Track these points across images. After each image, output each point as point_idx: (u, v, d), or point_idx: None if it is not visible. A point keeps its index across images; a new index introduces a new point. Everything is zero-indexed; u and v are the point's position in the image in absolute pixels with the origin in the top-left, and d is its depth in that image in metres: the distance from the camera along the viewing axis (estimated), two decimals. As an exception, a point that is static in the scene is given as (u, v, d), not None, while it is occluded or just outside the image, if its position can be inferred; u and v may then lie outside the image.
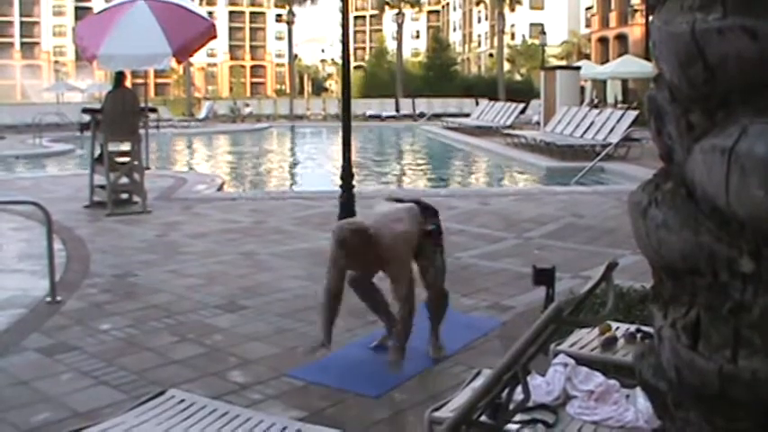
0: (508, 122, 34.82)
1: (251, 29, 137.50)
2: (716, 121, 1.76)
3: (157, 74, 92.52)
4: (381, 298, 6.36)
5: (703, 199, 1.78)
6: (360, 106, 50.84)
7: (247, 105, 55.54)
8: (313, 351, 5.98)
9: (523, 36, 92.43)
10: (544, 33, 57.94)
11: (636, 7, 58.49)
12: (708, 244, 1.76)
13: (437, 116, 47.80)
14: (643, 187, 1.96)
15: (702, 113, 1.80)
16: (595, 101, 46.22)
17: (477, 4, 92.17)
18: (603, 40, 65.82)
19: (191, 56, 15.49)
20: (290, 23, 69.75)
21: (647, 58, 38.11)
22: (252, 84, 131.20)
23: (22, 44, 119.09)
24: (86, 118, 14.57)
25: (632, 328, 5.33)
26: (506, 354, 3.04)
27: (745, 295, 1.72)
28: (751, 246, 1.70)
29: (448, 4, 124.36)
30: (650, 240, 1.89)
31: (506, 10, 72.27)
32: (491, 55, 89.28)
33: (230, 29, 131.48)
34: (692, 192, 1.81)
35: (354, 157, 12.48)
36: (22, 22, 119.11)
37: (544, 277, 6.91)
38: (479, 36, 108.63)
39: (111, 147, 13.77)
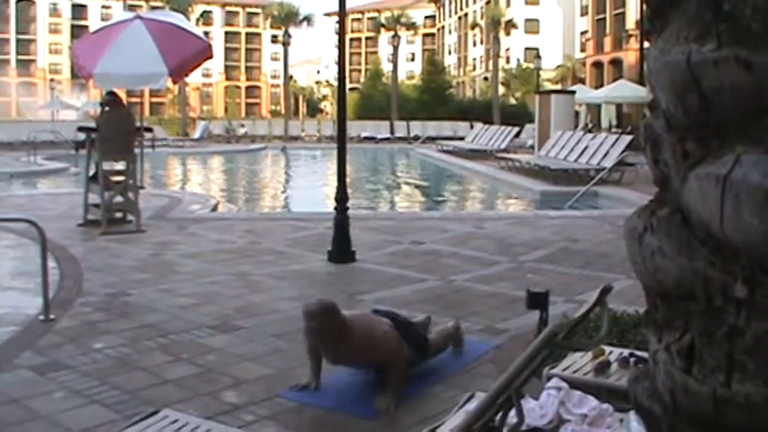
0: (502, 146, 34.94)
1: (247, 50, 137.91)
2: (711, 150, 1.79)
3: (153, 93, 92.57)
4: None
5: (698, 226, 1.80)
6: (355, 128, 50.90)
7: (242, 126, 55.62)
8: (301, 388, 6.02)
9: (518, 60, 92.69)
10: (539, 57, 58.17)
11: (630, 32, 58.83)
12: (702, 270, 1.78)
13: (432, 139, 47.93)
14: (638, 213, 1.98)
15: (698, 142, 1.83)
16: (590, 125, 46.35)
17: (473, 27, 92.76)
18: (598, 65, 66.17)
19: (186, 76, 15.53)
20: (285, 45, 69.99)
21: (642, 83, 38.26)
22: (247, 104, 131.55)
23: (18, 61, 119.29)
24: (82, 136, 14.58)
25: (626, 352, 5.35)
26: (500, 377, 3.06)
27: (738, 320, 1.74)
28: (745, 272, 1.73)
29: (443, 27, 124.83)
30: (646, 266, 1.92)
31: (501, 34, 72.76)
32: (486, 78, 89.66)
33: (226, 49, 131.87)
34: (687, 218, 1.84)
35: (349, 179, 12.51)
36: (18, 40, 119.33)
37: (538, 301, 6.93)
38: (474, 59, 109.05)
39: (106, 165, 13.79)
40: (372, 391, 6.00)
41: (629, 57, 58.11)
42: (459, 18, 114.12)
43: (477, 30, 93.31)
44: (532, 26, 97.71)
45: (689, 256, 1.80)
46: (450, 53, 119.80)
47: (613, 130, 41.80)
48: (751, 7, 1.69)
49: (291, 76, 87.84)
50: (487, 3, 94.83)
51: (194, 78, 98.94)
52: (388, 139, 52.35)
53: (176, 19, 14.85)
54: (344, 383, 6.23)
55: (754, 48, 1.69)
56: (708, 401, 1.77)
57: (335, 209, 11.17)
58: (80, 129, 15.31)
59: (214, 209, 17.55)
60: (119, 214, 14.19)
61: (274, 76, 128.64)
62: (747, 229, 1.67)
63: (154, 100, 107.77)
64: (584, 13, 74.28)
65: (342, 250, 10.76)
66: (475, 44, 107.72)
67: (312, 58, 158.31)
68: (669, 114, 1.89)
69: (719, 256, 1.76)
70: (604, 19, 65.94)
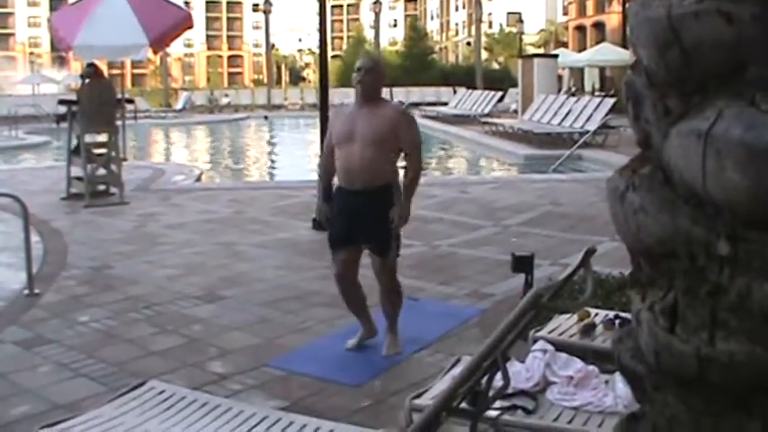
0: (486, 111, 34.81)
1: (228, 18, 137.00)
2: (693, 105, 1.77)
3: (134, 64, 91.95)
4: (363, 297, 6.33)
5: (680, 183, 1.78)
6: (337, 95, 50.55)
7: (225, 96, 55.29)
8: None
9: (501, 24, 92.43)
10: (521, 22, 58.12)
11: (613, -5, 58.65)
12: (685, 228, 1.77)
13: (415, 105, 47.70)
14: (620, 172, 1.96)
15: (679, 97, 1.80)
16: (573, 89, 46.28)
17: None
18: (581, 28, 66.06)
19: (167, 46, 15.42)
20: (266, 13, 69.36)
21: (625, 46, 38.18)
22: (229, 74, 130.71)
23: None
24: (63, 109, 14.48)
25: (611, 314, 5.37)
26: (486, 341, 3.05)
27: (721, 278, 1.73)
28: (728, 229, 1.71)
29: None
30: (628, 225, 1.90)
31: (484, -2, 72.36)
32: (469, 43, 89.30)
33: (207, 18, 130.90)
34: (669, 176, 1.82)
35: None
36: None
37: (523, 265, 6.95)
38: (457, 25, 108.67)
39: (88, 138, 13.71)
40: (359, 358, 6.02)
41: (612, 20, 57.99)
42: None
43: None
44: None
45: (671, 214, 1.78)
46: (432, 18, 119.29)
47: (596, 93, 41.71)
48: (732, -42, 1.67)
49: (273, 45, 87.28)
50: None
51: (176, 48, 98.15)
52: (371, 106, 51.99)
53: (155, -12, 14.69)
54: (331, 351, 6.24)
55: (736, 0, 1.66)
56: (692, 360, 1.76)
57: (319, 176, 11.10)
58: (61, 102, 15.18)
59: (198, 179, 17.49)
60: (102, 187, 14.13)
61: (256, 45, 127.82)
62: (730, 184, 1.65)
63: (135, 71, 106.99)
64: (566, -24, 74.04)
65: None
66: (457, 9, 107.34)
67: (294, 26, 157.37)
68: (650, 71, 1.86)
69: (702, 213, 1.74)
70: (586, -18, 65.75)
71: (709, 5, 1.68)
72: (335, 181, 6.32)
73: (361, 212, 5.92)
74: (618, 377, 4.03)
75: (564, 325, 5.30)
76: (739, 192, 1.63)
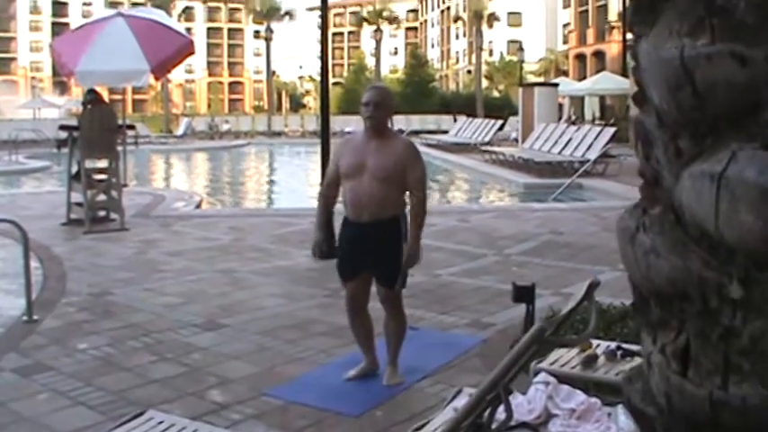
0: (486, 139, 34.86)
1: (229, 45, 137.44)
2: (705, 147, 1.76)
3: (135, 90, 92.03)
4: (370, 327, 6.28)
5: (692, 224, 1.77)
6: (338, 123, 50.64)
7: (226, 122, 55.41)
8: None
9: (501, 53, 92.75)
10: (522, 50, 58.32)
11: (613, 24, 58.87)
12: (697, 269, 1.75)
13: (415, 133, 47.75)
14: (630, 212, 1.95)
15: (691, 139, 1.80)
16: (573, 117, 46.40)
17: (456, 20, 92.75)
18: (581, 57, 66.22)
19: (168, 72, 15.46)
20: (268, 40, 69.79)
21: (625, 75, 38.29)
22: (230, 100, 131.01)
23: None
24: (63, 134, 14.49)
25: (612, 345, 5.33)
26: (489, 374, 3.03)
27: (734, 321, 1.72)
28: (740, 271, 1.70)
29: (426, 20, 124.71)
30: (639, 265, 1.89)
31: (484, 27, 72.67)
32: (469, 72, 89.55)
33: (208, 45, 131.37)
34: (680, 217, 1.81)
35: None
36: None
37: (524, 294, 6.91)
38: (457, 53, 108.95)
39: (89, 164, 13.69)
40: (359, 388, 5.99)
41: (612, 49, 58.14)
42: (442, 11, 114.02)
43: (459, 23, 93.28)
44: (515, 19, 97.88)
45: (683, 256, 1.77)
46: (433, 46, 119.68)
47: (597, 122, 41.82)
48: (745, 1, 1.66)
49: (274, 72, 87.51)
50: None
51: (177, 75, 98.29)
52: (371, 133, 52.00)
53: (158, 15, 14.79)
54: (331, 381, 6.20)
55: (749, 42, 1.66)
56: (704, 404, 1.74)
57: (319, 207, 11.09)
58: (62, 127, 15.18)
59: (198, 206, 17.46)
60: (102, 213, 14.09)
61: (257, 72, 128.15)
62: (743, 227, 1.64)
63: (136, 97, 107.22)
64: (566, 5, 74.34)
65: (326, 246, 10.71)
66: (458, 37, 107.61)
67: (295, 53, 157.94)
68: (662, 111, 1.86)
69: (714, 255, 1.73)
70: (587, 11, 65.95)
71: (723, 48, 1.68)
72: (340, 209, 6.30)
73: (369, 245, 5.91)
74: (620, 410, 4.00)
75: (566, 356, 5.26)
76: (753, 234, 1.62)
